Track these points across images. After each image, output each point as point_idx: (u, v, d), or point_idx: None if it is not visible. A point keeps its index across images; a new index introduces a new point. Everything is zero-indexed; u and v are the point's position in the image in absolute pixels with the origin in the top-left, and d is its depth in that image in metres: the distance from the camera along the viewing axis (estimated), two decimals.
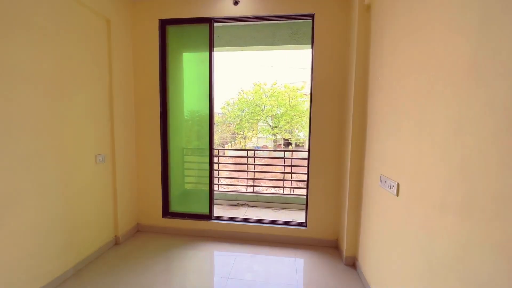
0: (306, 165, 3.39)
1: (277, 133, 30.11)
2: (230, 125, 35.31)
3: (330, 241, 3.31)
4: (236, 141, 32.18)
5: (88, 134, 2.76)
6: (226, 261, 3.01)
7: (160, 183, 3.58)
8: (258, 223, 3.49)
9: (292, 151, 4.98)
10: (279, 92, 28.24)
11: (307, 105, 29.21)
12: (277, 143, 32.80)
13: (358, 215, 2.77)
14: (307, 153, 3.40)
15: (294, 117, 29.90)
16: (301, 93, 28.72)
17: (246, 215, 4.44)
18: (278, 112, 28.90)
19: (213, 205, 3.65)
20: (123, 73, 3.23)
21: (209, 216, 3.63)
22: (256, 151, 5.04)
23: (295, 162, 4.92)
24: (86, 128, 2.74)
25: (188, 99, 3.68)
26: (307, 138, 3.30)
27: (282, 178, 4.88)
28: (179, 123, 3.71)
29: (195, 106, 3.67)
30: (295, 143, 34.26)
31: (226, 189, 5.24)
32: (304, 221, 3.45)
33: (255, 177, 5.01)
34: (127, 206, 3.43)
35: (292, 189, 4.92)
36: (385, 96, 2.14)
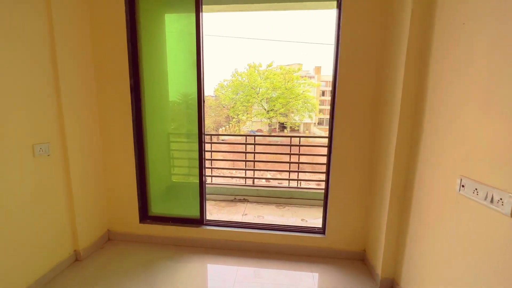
0: (321, 154, 2.58)
1: (272, 116, 29.21)
2: (224, 108, 34.14)
3: (355, 253, 2.58)
4: (230, 124, 31.20)
5: (17, 117, 1.86)
6: (223, 278, 2.27)
7: (135, 179, 2.73)
8: (262, 230, 2.73)
9: (300, 136, 4.17)
10: (275, 74, 27.01)
11: (303, 88, 28.09)
12: (272, 127, 32.03)
13: (403, 226, 2.00)
14: (327, 140, 2.59)
15: (290, 100, 28.90)
16: (297, 75, 27.49)
17: (245, 214, 3.68)
18: (274, 95, 27.81)
19: (204, 205, 2.84)
20: (72, 32, 2.27)
21: (199, 221, 2.84)
22: (256, 137, 4.14)
23: (303, 150, 4.12)
24: (13, 109, 1.83)
25: (174, 74, 2.74)
26: (329, 121, 2.47)
27: (288, 169, 4.11)
28: (162, 102, 2.80)
29: (181, 82, 2.75)
30: (290, 127, 33.56)
31: (221, 182, 4.45)
32: (321, 226, 2.70)
33: (255, 168, 4.22)
34: (92, 210, 2.59)
35: (299, 181, 4.18)
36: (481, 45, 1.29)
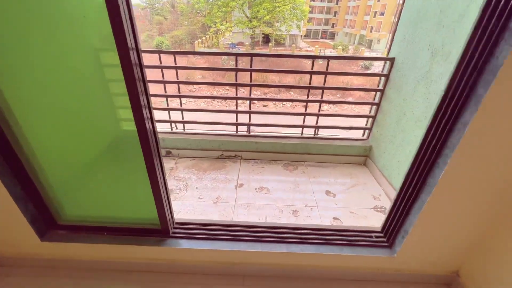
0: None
1: (255, 26, 24.74)
2: (199, 15, 28.16)
3: (439, 277, 1.49)
4: (207, 36, 26.45)
5: None
6: None
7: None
8: (277, 242, 1.47)
9: (329, 57, 2.43)
10: None
11: None
12: (254, 39, 27.71)
13: None
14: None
15: (276, 4, 23.91)
16: None
17: (240, 184, 2.36)
18: None
19: (167, 202, 1.43)
20: None
21: (161, 231, 1.48)
22: (242, 56, 2.33)
23: (318, 79, 2.49)
24: None
25: None
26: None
27: (304, 112, 2.56)
28: None
29: None
30: (276, 40, 29.33)
31: (201, 129, 2.91)
32: (384, 236, 1.48)
33: (251, 109, 2.63)
34: None
35: (316, 128, 2.73)
36: None
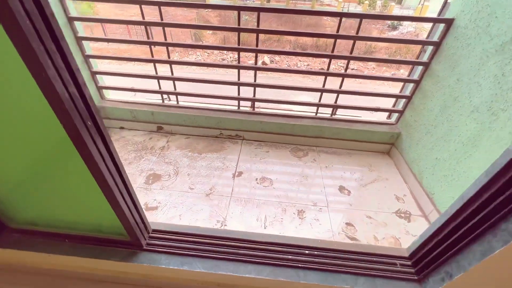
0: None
1: None
2: None
3: None
4: None
5: None
6: None
7: None
8: (273, 264, 1.16)
9: (362, 16, 1.81)
10: None
11: None
12: None
13: None
14: None
15: None
16: None
17: (239, 173, 2.02)
18: None
19: (134, 209, 1.11)
20: None
21: (131, 243, 1.19)
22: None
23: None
24: None
25: None
26: None
27: (321, 88, 2.04)
28: None
29: None
30: None
31: (198, 104, 2.47)
32: (412, 264, 1.14)
33: (256, 81, 2.11)
34: None
35: (335, 108, 2.21)
36: None
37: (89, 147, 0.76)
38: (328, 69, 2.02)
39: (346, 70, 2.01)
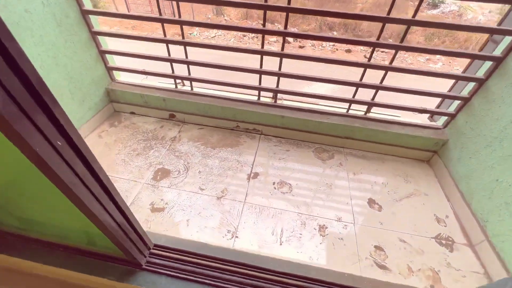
0: None
1: None
2: None
3: None
4: None
5: None
6: None
7: None
8: None
9: None
10: None
11: None
12: None
13: None
14: None
15: None
16: None
17: (254, 174, 1.78)
18: None
19: (127, 228, 0.95)
20: None
21: (129, 262, 1.04)
22: None
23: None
24: None
25: None
26: None
27: (357, 82, 1.68)
28: None
29: None
30: None
31: (214, 92, 2.20)
32: None
33: (281, 71, 1.80)
34: None
35: (371, 105, 1.86)
36: None
37: (59, 174, 0.57)
38: (369, 59, 1.67)
39: (392, 62, 1.66)
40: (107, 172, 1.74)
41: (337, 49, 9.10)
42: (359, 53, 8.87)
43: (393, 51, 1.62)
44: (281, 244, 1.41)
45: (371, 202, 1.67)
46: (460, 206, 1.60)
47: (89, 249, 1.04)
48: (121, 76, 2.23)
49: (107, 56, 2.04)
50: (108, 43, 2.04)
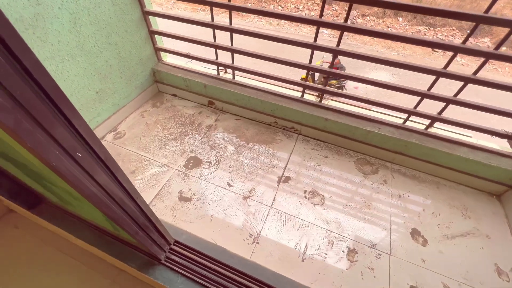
0: None
1: None
2: None
3: None
4: None
5: None
6: None
7: None
8: None
9: None
10: None
11: None
12: None
13: None
14: None
15: None
16: None
17: (285, 177, 1.67)
18: None
19: (146, 223, 0.94)
20: None
21: (149, 254, 1.05)
22: None
23: None
24: None
25: None
26: None
27: (423, 91, 1.39)
28: None
29: None
30: None
31: (255, 83, 2.06)
32: None
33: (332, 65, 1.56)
34: None
35: (434, 120, 1.54)
36: None
37: (79, 185, 0.54)
38: (447, 66, 1.36)
39: (477, 72, 1.33)
40: (143, 153, 1.79)
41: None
42: (433, 54, 7.63)
43: (482, 59, 1.29)
44: (303, 261, 1.32)
45: (415, 233, 1.45)
46: None
47: (115, 234, 1.08)
48: (167, 57, 2.25)
49: (156, 36, 2.05)
50: (158, 23, 2.04)
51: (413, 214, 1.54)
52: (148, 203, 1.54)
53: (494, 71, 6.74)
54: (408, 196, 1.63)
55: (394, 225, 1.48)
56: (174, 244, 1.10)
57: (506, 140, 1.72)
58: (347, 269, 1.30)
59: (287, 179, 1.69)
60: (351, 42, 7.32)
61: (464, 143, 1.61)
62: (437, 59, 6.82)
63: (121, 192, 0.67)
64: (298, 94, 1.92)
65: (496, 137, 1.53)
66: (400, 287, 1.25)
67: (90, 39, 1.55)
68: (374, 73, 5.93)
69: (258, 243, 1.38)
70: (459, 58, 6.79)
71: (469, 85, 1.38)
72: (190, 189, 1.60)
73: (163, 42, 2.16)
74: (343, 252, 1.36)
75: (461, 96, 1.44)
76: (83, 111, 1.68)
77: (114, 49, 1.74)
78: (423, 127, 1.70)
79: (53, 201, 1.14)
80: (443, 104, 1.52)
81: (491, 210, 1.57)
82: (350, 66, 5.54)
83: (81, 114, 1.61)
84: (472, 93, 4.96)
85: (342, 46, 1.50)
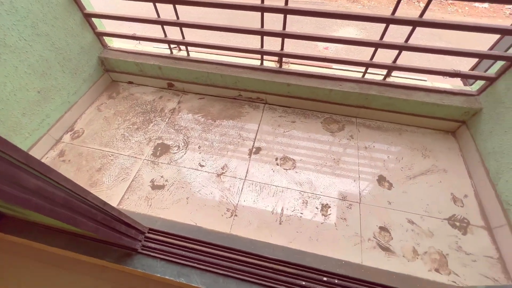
0: None
1: None
2: None
3: None
4: None
5: None
6: None
7: None
8: None
9: None
10: None
11: None
12: None
13: None
14: None
15: None
16: None
17: (256, 149, 1.69)
18: None
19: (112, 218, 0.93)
20: None
21: (127, 247, 1.06)
22: None
23: None
24: None
25: None
26: None
27: (377, 41, 1.38)
28: None
29: None
30: None
31: (212, 58, 1.95)
32: None
33: (286, 28, 1.51)
34: None
35: (391, 69, 1.54)
36: None
37: (7, 196, 0.51)
38: (394, 12, 1.35)
39: (422, 15, 1.33)
40: (107, 148, 1.72)
41: None
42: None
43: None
44: (280, 224, 1.39)
45: (381, 179, 1.55)
46: (483, 186, 1.44)
47: (84, 234, 1.06)
48: (113, 42, 2.06)
49: (95, 20, 1.85)
50: (94, 4, 1.83)
51: (379, 162, 1.63)
52: (120, 198, 1.52)
53: (455, 12, 6.84)
54: (374, 146, 1.71)
55: (362, 175, 1.57)
56: (148, 232, 1.11)
57: (460, 79, 1.81)
58: (322, 223, 1.39)
59: (258, 150, 1.70)
60: (316, 0, 7.04)
61: (420, 87, 1.67)
62: (401, 7, 6.79)
63: (63, 193, 0.64)
64: (258, 63, 1.86)
65: (448, 77, 1.59)
66: (370, 229, 1.36)
67: (11, 32, 1.36)
68: (342, 30, 5.84)
69: (236, 215, 1.42)
70: (422, 3, 6.78)
71: (433, 30, 1.39)
72: (162, 177, 1.58)
73: (104, 26, 1.96)
74: (317, 208, 1.44)
75: (425, 42, 1.46)
76: (28, 115, 1.54)
77: (46, 41, 1.56)
78: (381, 77, 1.73)
79: (12, 215, 1.08)
80: (395, 53, 1.54)
81: (447, 146, 1.69)
82: (319, 25, 5.39)
83: (27, 119, 1.51)
84: (436, 37, 5.06)
85: (310, 6, 1.42)
